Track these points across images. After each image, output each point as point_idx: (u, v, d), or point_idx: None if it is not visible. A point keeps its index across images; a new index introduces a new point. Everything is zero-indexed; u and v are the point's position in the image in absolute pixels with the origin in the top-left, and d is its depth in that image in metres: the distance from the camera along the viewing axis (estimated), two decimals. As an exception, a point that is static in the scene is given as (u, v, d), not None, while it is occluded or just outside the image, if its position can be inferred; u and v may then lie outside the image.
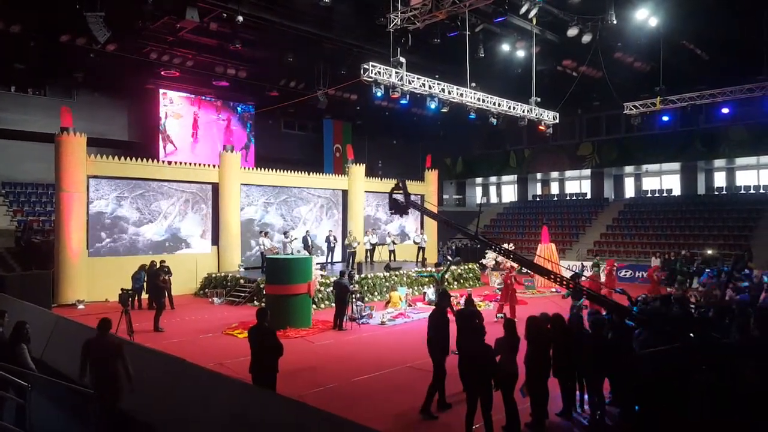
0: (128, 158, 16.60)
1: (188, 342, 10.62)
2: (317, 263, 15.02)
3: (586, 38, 15.80)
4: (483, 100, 15.85)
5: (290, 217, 20.31)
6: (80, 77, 19.90)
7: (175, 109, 23.73)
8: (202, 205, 17.96)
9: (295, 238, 18.20)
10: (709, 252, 20.10)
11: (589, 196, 29.33)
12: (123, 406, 6.58)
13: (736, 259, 11.98)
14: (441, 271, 13.52)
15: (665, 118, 19.65)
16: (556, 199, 31.30)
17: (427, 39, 15.70)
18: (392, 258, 20.07)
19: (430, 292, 14.88)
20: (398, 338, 10.99)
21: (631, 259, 22.03)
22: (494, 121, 17.26)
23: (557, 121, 18.25)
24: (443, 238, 26.66)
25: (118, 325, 9.30)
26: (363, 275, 16.18)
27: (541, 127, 18.06)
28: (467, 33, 14.35)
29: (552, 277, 6.87)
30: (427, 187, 25.27)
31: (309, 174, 21.19)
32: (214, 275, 17.05)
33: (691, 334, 5.75)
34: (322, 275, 14.67)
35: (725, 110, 18.70)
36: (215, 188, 18.28)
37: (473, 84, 16.27)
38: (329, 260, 19.48)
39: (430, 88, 14.38)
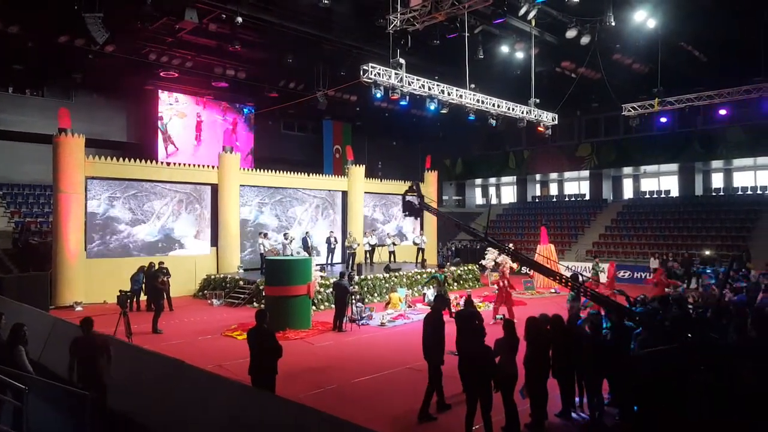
0: (127, 159, 16.58)
1: (187, 344, 10.60)
2: (317, 264, 15.00)
3: (585, 40, 15.84)
4: (482, 102, 15.88)
5: (285, 218, 20.19)
6: (79, 78, 19.88)
7: (180, 107, 23.80)
8: (196, 205, 17.86)
9: (293, 239, 18.17)
10: (707, 253, 20.14)
11: (587, 197, 29.37)
12: (122, 408, 6.56)
13: (732, 260, 12.02)
14: (444, 272, 13.52)
15: (663, 120, 19.70)
16: (555, 200, 31.33)
17: (427, 40, 15.71)
18: (392, 259, 20.06)
19: (430, 294, 14.86)
20: (398, 339, 10.98)
21: (629, 260, 22.06)
22: (493, 122, 17.29)
23: (556, 122, 18.29)
24: (443, 239, 26.67)
25: (117, 326, 9.30)
26: (363, 276, 16.17)
27: (540, 129, 18.09)
28: (466, 34, 14.35)
29: (558, 278, 6.89)
30: (426, 188, 25.22)
31: (309, 175, 21.18)
32: (213, 276, 17.02)
33: (689, 335, 5.76)
34: (321, 276, 14.65)
35: (723, 111, 18.75)
36: (214, 189, 18.26)
37: (472, 85, 16.28)
38: (329, 261, 19.46)
39: (429, 89, 14.39)
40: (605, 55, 17.64)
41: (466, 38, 14.41)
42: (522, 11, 13.68)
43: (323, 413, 4.34)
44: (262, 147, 26.27)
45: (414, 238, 21.36)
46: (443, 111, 15.84)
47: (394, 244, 20.50)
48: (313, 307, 13.25)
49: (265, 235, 17.71)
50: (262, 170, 20.01)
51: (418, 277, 17.77)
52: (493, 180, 34.36)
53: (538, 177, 32.19)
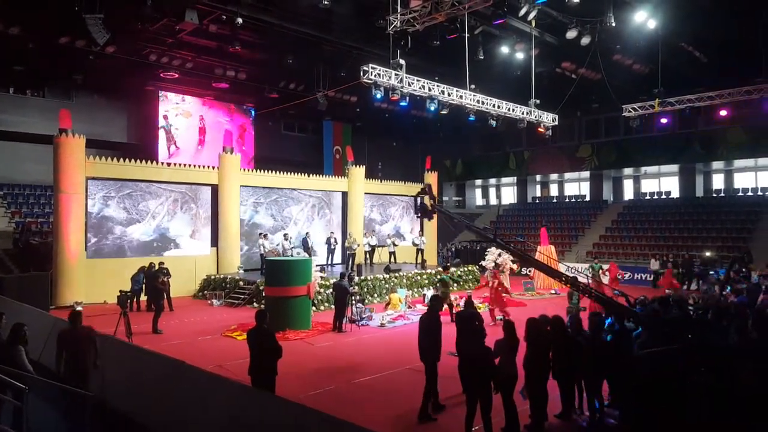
0: (127, 160, 16.59)
1: (187, 344, 10.60)
2: (317, 265, 15.00)
3: (585, 40, 15.83)
4: (482, 102, 15.87)
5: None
6: (79, 79, 19.92)
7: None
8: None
9: (292, 238, 18.17)
10: (708, 254, 20.12)
11: (588, 198, 29.37)
12: (122, 408, 6.56)
13: (732, 261, 12.04)
14: (449, 273, 13.48)
15: (664, 120, 19.68)
16: (555, 200, 31.32)
17: (427, 41, 15.72)
18: (392, 260, 20.05)
19: (430, 294, 14.86)
20: (398, 340, 10.97)
21: (630, 261, 22.05)
22: (493, 122, 17.28)
23: (556, 123, 18.27)
24: (443, 239, 26.66)
25: (117, 326, 9.30)
26: (362, 277, 16.16)
27: (540, 129, 18.08)
28: (466, 35, 14.36)
29: (564, 279, 6.90)
30: (426, 189, 25.27)
31: (309, 176, 21.18)
32: (213, 277, 17.02)
33: (690, 336, 5.76)
34: (321, 277, 14.65)
35: (723, 112, 18.74)
36: (215, 190, 18.27)
37: (472, 86, 16.28)
38: (329, 262, 19.46)
39: (429, 89, 14.39)
40: (605, 55, 17.64)
41: (466, 39, 14.41)
42: (522, 12, 13.68)
43: (323, 413, 4.34)
44: (263, 148, 26.30)
45: (413, 239, 21.36)
46: (443, 112, 15.83)
47: (394, 244, 20.50)
48: (313, 308, 13.24)
49: (266, 235, 17.72)
50: (262, 171, 20.02)
51: (418, 278, 17.77)
52: (493, 181, 34.37)
53: (538, 178, 32.19)
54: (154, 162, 18.22)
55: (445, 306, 14.16)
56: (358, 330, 11.93)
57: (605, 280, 14.99)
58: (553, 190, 32.79)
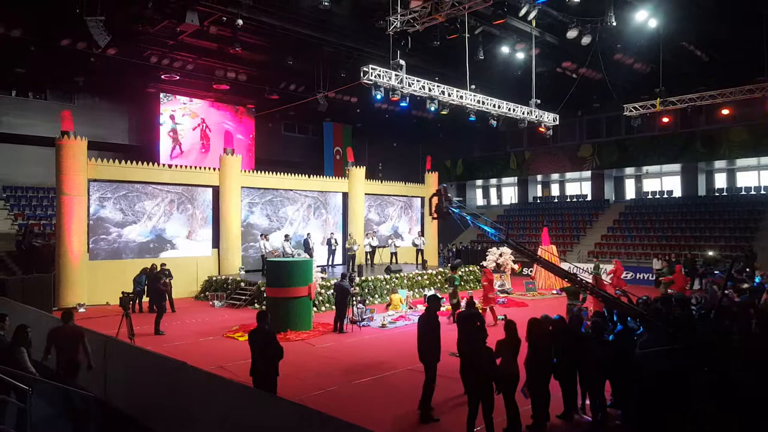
0: (129, 162, 16.63)
1: (189, 345, 10.61)
2: (317, 266, 15.00)
3: (586, 40, 15.82)
4: (483, 102, 15.87)
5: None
6: (81, 81, 19.97)
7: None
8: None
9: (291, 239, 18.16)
10: (710, 253, 20.07)
11: (589, 198, 29.31)
12: (124, 409, 6.58)
13: (733, 261, 11.99)
14: (458, 273, 13.45)
15: (665, 120, 19.65)
16: (556, 200, 31.27)
17: (427, 41, 15.71)
18: (394, 260, 20.04)
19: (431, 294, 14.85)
20: (399, 341, 10.96)
21: (632, 261, 21.99)
22: (494, 123, 17.28)
23: (557, 122, 18.26)
24: (444, 240, 26.65)
25: (119, 328, 9.32)
26: (363, 278, 16.17)
27: (541, 129, 18.07)
28: (467, 35, 14.36)
29: (571, 279, 6.89)
30: (427, 189, 25.25)
31: (309, 177, 21.19)
32: (214, 278, 17.04)
33: (692, 336, 5.74)
34: (322, 278, 14.66)
35: (725, 111, 18.70)
36: (216, 191, 18.30)
37: (473, 86, 16.28)
38: (330, 263, 19.46)
39: (429, 90, 14.40)
40: (606, 55, 17.62)
41: (467, 39, 14.41)
42: (522, 12, 13.68)
43: (325, 414, 4.34)
44: (263, 149, 26.33)
45: (413, 240, 21.35)
46: (444, 112, 15.84)
47: (396, 245, 20.49)
48: (314, 309, 13.25)
49: (267, 236, 17.74)
50: (262, 172, 20.05)
51: (419, 278, 17.77)
52: (494, 181, 34.33)
53: (539, 178, 32.14)
54: (156, 163, 18.25)
55: (446, 307, 14.20)
56: (359, 331, 11.93)
57: (606, 279, 14.96)
58: (555, 190, 32.74)
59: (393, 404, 7.21)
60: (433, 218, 8.69)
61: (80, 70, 19.33)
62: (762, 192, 23.79)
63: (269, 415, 4.79)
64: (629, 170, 28.48)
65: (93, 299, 14.88)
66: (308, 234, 19.22)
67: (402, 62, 13.40)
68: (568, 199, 30.63)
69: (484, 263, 19.14)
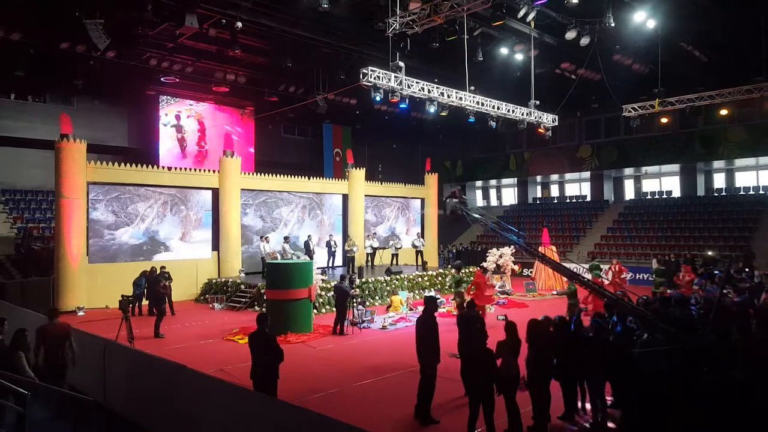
0: (129, 164, 16.62)
1: (189, 348, 10.60)
2: (318, 267, 14.99)
3: (585, 41, 15.84)
4: (482, 104, 15.89)
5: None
6: (80, 84, 19.97)
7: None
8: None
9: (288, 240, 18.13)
10: (709, 253, 20.07)
11: (589, 199, 29.33)
12: (124, 413, 6.56)
13: (731, 261, 12.02)
14: (460, 273, 13.41)
15: (664, 120, 19.69)
16: (556, 201, 31.30)
17: (426, 43, 15.74)
18: (394, 262, 20.03)
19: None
20: (400, 342, 10.95)
21: (631, 261, 21.99)
22: (493, 124, 17.29)
23: (556, 123, 18.28)
24: (444, 241, 26.65)
25: (119, 331, 9.30)
26: (363, 279, 16.16)
27: (540, 130, 18.09)
28: (465, 37, 14.39)
29: (577, 280, 6.90)
30: (427, 191, 25.28)
31: (309, 179, 21.19)
32: (214, 281, 17.03)
33: (691, 336, 5.74)
34: (323, 280, 14.65)
35: (724, 111, 18.72)
36: (215, 193, 18.29)
37: (472, 87, 16.29)
38: (329, 264, 19.45)
39: (429, 91, 14.41)
40: (605, 56, 17.64)
41: (465, 40, 14.43)
42: (521, 13, 13.69)
43: (326, 417, 4.33)
44: (263, 151, 26.34)
45: (413, 241, 21.34)
46: (443, 113, 15.85)
47: (396, 247, 20.47)
48: (315, 311, 13.24)
49: (267, 238, 17.72)
50: (262, 174, 20.04)
51: (420, 279, 17.76)
52: (493, 182, 34.34)
53: (539, 178, 32.16)
54: (155, 166, 18.24)
55: (447, 308, 14.17)
56: (359, 333, 11.92)
57: (604, 279, 14.94)
58: (554, 191, 32.76)
59: (394, 406, 7.19)
60: (450, 219, 8.78)
61: (79, 73, 19.34)
62: (761, 192, 23.82)
63: (270, 418, 4.78)
64: (628, 171, 28.51)
65: (92, 302, 14.86)
66: (309, 236, 19.20)
67: (401, 64, 13.41)
68: (568, 200, 30.66)
69: (485, 264, 19.16)
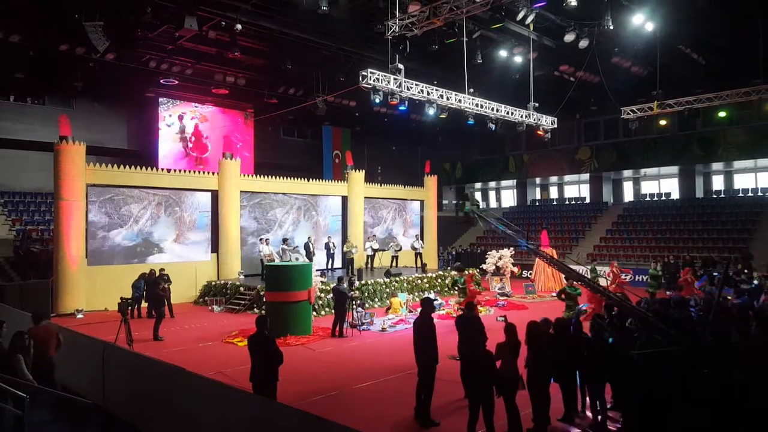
0: (129, 166, 16.62)
1: (188, 350, 10.58)
2: (317, 270, 14.97)
3: (583, 43, 15.89)
4: (481, 106, 15.91)
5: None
6: (79, 86, 19.96)
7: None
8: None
9: (297, 246, 18.09)
10: (706, 255, 20.07)
11: (588, 201, 29.37)
12: (123, 416, 6.54)
13: (728, 263, 12.03)
14: (463, 275, 13.39)
15: (663, 122, 19.73)
16: (555, 203, 31.33)
17: (425, 45, 15.77)
18: (394, 264, 20.02)
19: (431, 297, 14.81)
20: (399, 345, 10.93)
21: (631, 263, 22.00)
22: (492, 126, 17.32)
23: (555, 125, 18.31)
24: (444, 243, 26.65)
25: (118, 333, 9.29)
26: (363, 281, 16.15)
27: (539, 132, 18.11)
28: (465, 39, 14.42)
29: (585, 283, 6.90)
30: (426, 193, 25.29)
31: (309, 180, 21.20)
32: (213, 283, 17.01)
33: (690, 338, 5.74)
34: (322, 282, 14.64)
35: (722, 114, 18.78)
36: (215, 196, 18.28)
37: (471, 90, 16.32)
38: (329, 267, 19.43)
39: (428, 94, 14.44)
40: (604, 58, 17.69)
41: (465, 43, 14.47)
42: (520, 16, 13.72)
43: (325, 420, 4.32)
44: (262, 153, 26.35)
45: (413, 243, 21.35)
46: (442, 116, 15.87)
47: (396, 249, 20.46)
48: (314, 313, 13.22)
49: (267, 241, 17.71)
50: (262, 176, 20.03)
51: (419, 281, 17.76)
52: (493, 184, 34.39)
53: (538, 180, 32.20)
54: (155, 168, 18.24)
55: (446, 310, 14.16)
56: (359, 335, 11.91)
57: (604, 282, 14.96)
58: (553, 193, 32.80)
59: (394, 408, 7.18)
60: (461, 222, 8.83)
61: (79, 75, 19.33)
62: (759, 194, 23.86)
63: (269, 420, 4.77)
64: (627, 173, 28.55)
65: (91, 305, 14.84)
66: (309, 238, 19.20)
67: (401, 66, 13.43)
68: (567, 202, 30.69)
69: (484, 266, 19.18)
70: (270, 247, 17.34)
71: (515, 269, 18.87)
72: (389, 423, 6.68)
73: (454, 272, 18.96)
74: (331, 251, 19.59)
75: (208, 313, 15.20)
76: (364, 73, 12.92)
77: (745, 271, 15.03)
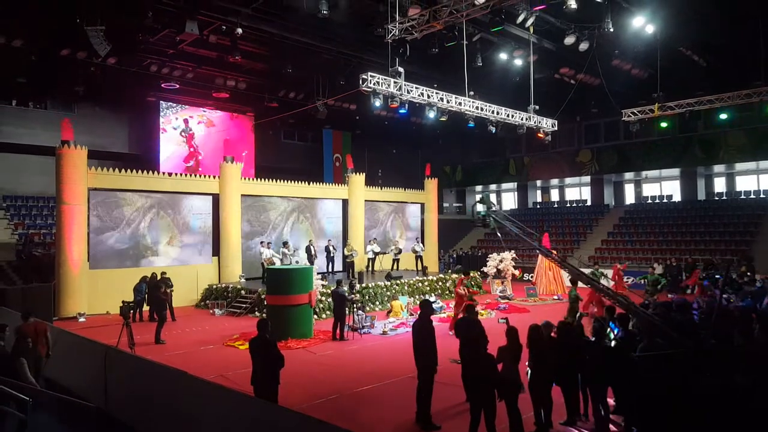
0: (130, 170, 16.65)
1: (189, 354, 10.58)
2: (317, 273, 14.96)
3: (584, 46, 15.91)
4: (481, 109, 15.92)
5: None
6: (81, 91, 20.03)
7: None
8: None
9: (297, 248, 18.11)
10: (707, 258, 20.01)
11: (589, 203, 29.34)
12: (125, 419, 6.54)
13: (728, 265, 12.00)
14: (469, 278, 13.30)
15: (664, 124, 19.71)
16: (556, 206, 31.31)
17: (425, 49, 15.82)
18: (395, 267, 20.01)
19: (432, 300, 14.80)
20: (400, 348, 10.90)
21: (632, 266, 21.95)
22: (493, 129, 17.33)
23: (556, 128, 18.31)
24: (444, 246, 26.63)
25: (119, 337, 9.29)
26: (364, 284, 16.14)
27: (539, 135, 18.11)
28: (465, 42, 14.45)
29: (593, 286, 6.90)
30: (427, 196, 25.31)
31: (309, 184, 21.21)
32: (214, 286, 17.02)
33: (692, 340, 5.73)
34: (323, 285, 14.64)
35: (724, 116, 18.75)
36: (216, 199, 18.31)
37: (471, 92, 16.34)
38: (330, 270, 19.42)
39: (428, 97, 14.46)
40: (604, 60, 17.71)
41: (465, 46, 14.50)
42: (520, 19, 13.76)
43: (326, 423, 4.32)
44: (263, 156, 26.40)
45: (413, 246, 21.33)
46: (443, 118, 15.88)
47: (395, 252, 20.45)
48: (315, 316, 13.21)
49: (268, 244, 17.72)
50: (262, 179, 20.05)
51: (420, 284, 17.75)
52: (493, 186, 34.39)
53: (538, 183, 32.19)
54: (156, 172, 18.27)
55: (447, 313, 14.13)
56: (360, 338, 11.90)
57: (605, 282, 14.93)
58: (554, 196, 32.78)
59: (395, 412, 7.17)
60: (477, 225, 8.87)
61: (80, 80, 19.39)
62: (762, 196, 23.82)
63: (270, 423, 4.77)
64: (628, 175, 28.52)
65: (93, 308, 14.85)
66: (310, 241, 19.21)
67: (401, 69, 13.46)
68: (568, 204, 30.66)
69: (485, 269, 19.16)
70: (271, 251, 17.36)
71: (516, 272, 18.86)
72: (390, 426, 6.66)
73: (455, 275, 18.97)
74: (331, 254, 19.59)
75: (209, 316, 15.20)
76: (364, 76, 12.94)
77: (748, 273, 15.00)
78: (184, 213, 17.78)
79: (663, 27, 15.44)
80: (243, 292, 15.90)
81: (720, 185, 26.31)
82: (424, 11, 12.57)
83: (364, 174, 22.71)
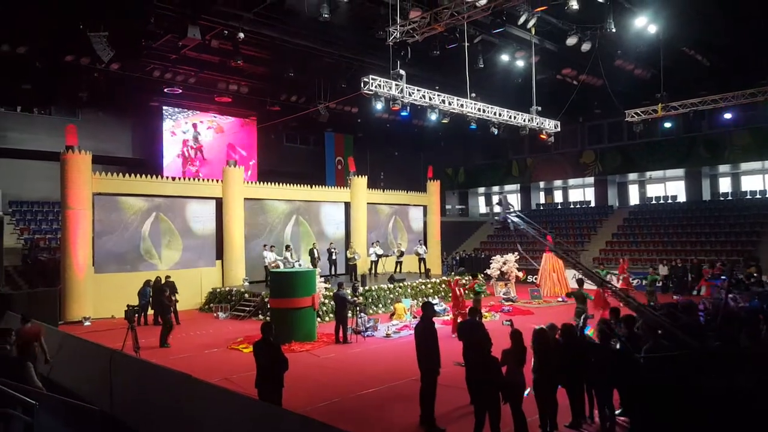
0: (134, 175, 16.73)
1: (194, 357, 10.60)
2: (321, 276, 14.97)
3: (586, 47, 15.89)
4: (483, 110, 15.92)
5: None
6: (85, 96, 20.19)
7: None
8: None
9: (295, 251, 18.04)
10: (712, 259, 19.91)
11: (593, 204, 29.24)
12: (130, 422, 6.56)
13: (732, 266, 11.95)
14: (480, 282, 13.28)
15: (668, 125, 19.65)
16: (559, 207, 31.22)
17: (427, 51, 15.85)
18: (398, 269, 19.99)
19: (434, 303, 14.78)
20: (404, 350, 10.88)
21: (637, 267, 21.86)
22: (495, 130, 17.32)
23: (559, 129, 18.28)
24: (447, 248, 26.60)
25: (125, 341, 9.32)
26: (366, 287, 16.13)
27: (542, 136, 18.09)
28: (466, 44, 14.46)
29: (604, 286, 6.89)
30: (429, 198, 25.30)
31: (312, 187, 21.24)
32: (218, 290, 17.05)
33: (698, 342, 5.70)
34: (326, 288, 14.64)
35: (728, 115, 18.67)
36: (219, 203, 18.36)
37: (473, 94, 16.36)
38: (333, 273, 19.42)
39: (430, 99, 14.47)
40: (607, 61, 17.67)
41: (466, 48, 14.50)
42: (522, 20, 13.76)
43: (329, 426, 4.31)
44: (265, 160, 26.47)
45: (416, 248, 21.31)
46: (444, 121, 15.89)
47: (398, 255, 20.44)
48: (318, 319, 13.21)
49: (272, 247, 17.74)
50: (266, 183, 20.09)
51: (423, 287, 17.72)
52: (496, 188, 34.33)
53: (542, 184, 32.13)
54: (159, 177, 18.35)
55: (449, 316, 14.10)
56: (363, 341, 11.88)
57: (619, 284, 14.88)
58: (558, 197, 32.69)
59: (398, 415, 7.15)
60: (499, 225, 8.90)
61: (84, 86, 19.56)
62: (767, 196, 23.67)
63: (274, 426, 4.77)
64: (632, 176, 28.43)
65: (98, 312, 14.90)
66: (314, 244, 19.21)
67: (402, 72, 13.48)
68: (572, 206, 30.57)
69: (488, 271, 19.11)
70: (274, 254, 17.38)
71: (520, 274, 18.81)
72: (394, 429, 6.65)
73: (457, 278, 18.92)
74: (333, 257, 19.59)
75: (213, 319, 15.23)
76: (365, 79, 12.97)
77: (755, 274, 14.92)
78: (188, 217, 17.78)
79: (665, 27, 15.40)
80: (247, 295, 15.92)
81: (725, 185, 26.17)
82: (425, 14, 12.60)
83: (366, 177, 22.73)
